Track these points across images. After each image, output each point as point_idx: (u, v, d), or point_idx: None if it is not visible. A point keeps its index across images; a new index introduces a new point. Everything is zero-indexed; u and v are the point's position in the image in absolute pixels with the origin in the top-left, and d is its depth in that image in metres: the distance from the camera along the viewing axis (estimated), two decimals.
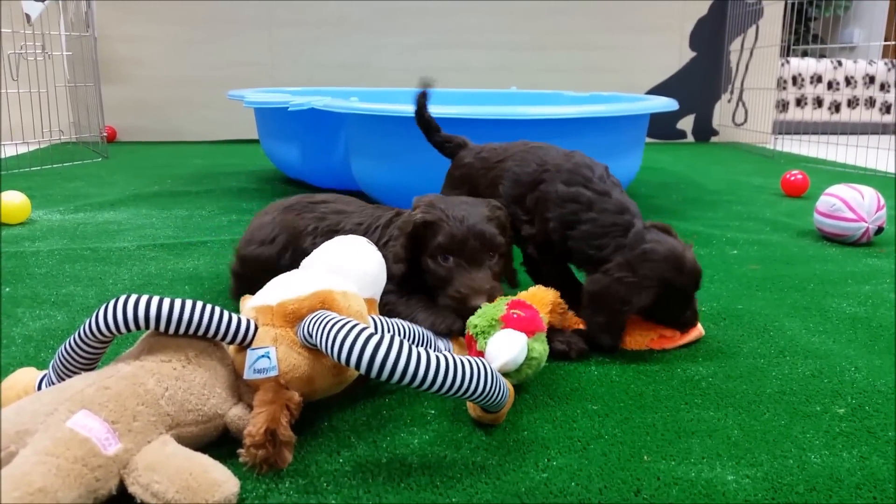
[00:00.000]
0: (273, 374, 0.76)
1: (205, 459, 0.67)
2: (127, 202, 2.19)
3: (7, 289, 1.32)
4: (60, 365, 0.77)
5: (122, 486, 0.66)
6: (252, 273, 1.16)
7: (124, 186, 2.46)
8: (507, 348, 0.88)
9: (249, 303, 0.84)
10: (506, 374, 0.87)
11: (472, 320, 0.95)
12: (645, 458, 0.78)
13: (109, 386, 0.70)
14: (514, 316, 0.93)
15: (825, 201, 1.78)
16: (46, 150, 3.16)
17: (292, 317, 0.79)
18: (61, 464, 0.62)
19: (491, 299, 1.01)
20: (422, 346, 0.92)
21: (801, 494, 0.71)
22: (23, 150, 3.23)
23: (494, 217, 1.08)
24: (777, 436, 0.83)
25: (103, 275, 1.42)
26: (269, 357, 0.76)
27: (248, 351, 0.78)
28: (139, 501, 0.65)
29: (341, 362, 0.71)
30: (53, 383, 0.78)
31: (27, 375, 0.82)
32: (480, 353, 0.91)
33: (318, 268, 0.91)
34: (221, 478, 0.66)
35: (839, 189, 1.78)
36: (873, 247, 1.73)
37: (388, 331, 0.90)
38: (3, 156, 2.96)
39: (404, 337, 0.92)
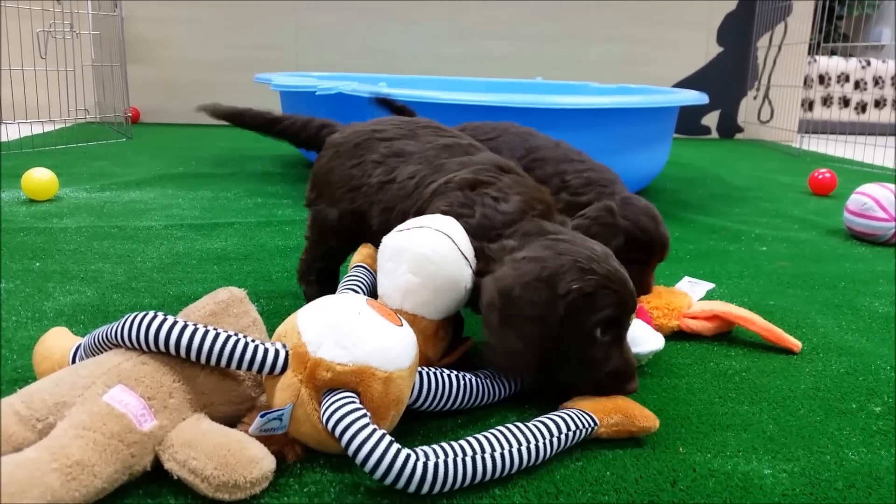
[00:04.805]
0: (280, 432, 0.71)
1: (241, 436, 0.67)
2: (152, 182, 2.19)
3: (37, 263, 1.33)
4: (92, 351, 0.76)
5: (157, 463, 0.67)
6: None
7: (149, 167, 2.47)
8: (654, 338, 0.95)
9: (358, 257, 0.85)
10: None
11: None
12: (680, 449, 0.77)
13: (147, 361, 0.70)
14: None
15: (856, 200, 1.76)
16: (71, 129, 3.17)
17: (322, 384, 0.69)
18: (98, 438, 0.63)
19: None
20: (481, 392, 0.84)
21: (839, 491, 0.70)
22: (48, 128, 3.25)
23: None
24: (813, 432, 0.82)
25: (132, 252, 1.42)
26: (280, 419, 0.70)
27: (259, 417, 0.69)
28: (175, 478, 0.65)
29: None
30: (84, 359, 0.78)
31: (61, 342, 0.82)
32: None
33: (401, 273, 0.84)
34: (259, 454, 0.65)
35: (871, 188, 1.75)
36: None
37: (437, 393, 0.80)
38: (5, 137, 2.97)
39: (461, 394, 0.82)
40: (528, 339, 0.78)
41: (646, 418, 0.79)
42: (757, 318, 1.07)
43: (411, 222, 0.87)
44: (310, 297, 1.10)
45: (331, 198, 1.05)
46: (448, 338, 0.89)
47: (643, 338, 0.94)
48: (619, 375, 0.81)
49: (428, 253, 0.82)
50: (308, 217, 1.10)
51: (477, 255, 0.87)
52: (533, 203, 0.90)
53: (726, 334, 1.11)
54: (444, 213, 0.89)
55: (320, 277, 1.12)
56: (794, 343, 1.06)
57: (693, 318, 1.09)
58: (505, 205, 0.89)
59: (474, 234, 0.87)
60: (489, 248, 0.86)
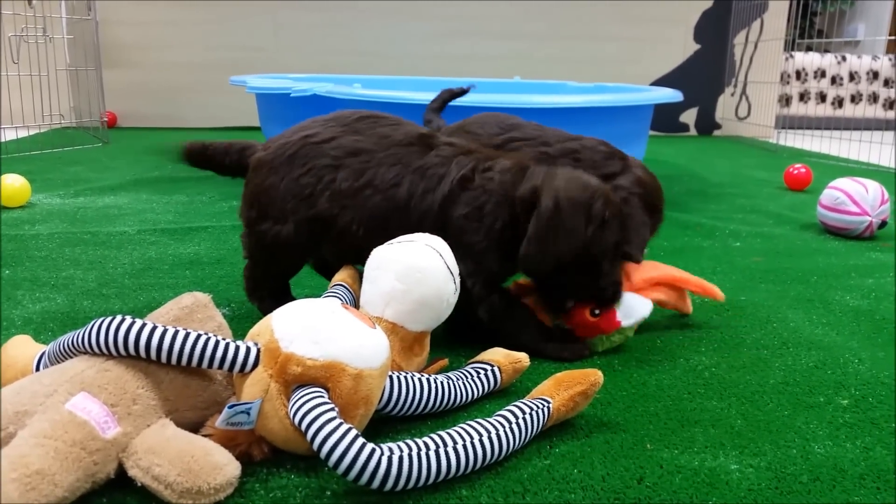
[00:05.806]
0: (248, 427, 0.70)
1: (206, 442, 0.67)
2: (127, 187, 2.18)
3: (7, 271, 1.31)
4: (56, 358, 0.76)
5: (121, 470, 0.66)
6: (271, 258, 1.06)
7: (125, 171, 2.45)
8: (643, 305, 1.02)
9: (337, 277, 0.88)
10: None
11: None
12: (648, 446, 0.77)
13: (110, 368, 0.70)
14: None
15: (829, 195, 1.78)
16: (47, 135, 3.14)
17: (292, 379, 0.69)
18: (59, 447, 0.62)
19: None
20: (460, 394, 0.85)
21: (804, 484, 0.71)
22: (23, 134, 3.22)
23: None
24: (780, 426, 0.83)
25: (104, 259, 1.41)
26: (248, 413, 0.69)
27: (227, 408, 0.69)
28: (139, 485, 0.65)
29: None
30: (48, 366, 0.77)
31: (25, 350, 0.81)
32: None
33: (387, 280, 0.85)
34: (223, 460, 0.65)
35: (843, 182, 1.77)
36: (876, 241, 1.73)
37: (408, 397, 0.80)
38: (2, 139, 2.94)
39: (432, 397, 0.82)
40: (570, 241, 0.93)
41: (586, 375, 0.82)
42: (688, 274, 1.12)
43: (401, 238, 0.90)
44: (266, 312, 1.09)
45: (279, 214, 1.01)
46: (424, 354, 0.89)
47: (633, 307, 1.00)
48: (617, 286, 0.99)
49: (417, 263, 0.84)
50: (247, 237, 1.06)
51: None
52: (520, 158, 1.04)
53: (696, 330, 1.11)
54: (466, 216, 0.97)
55: (273, 293, 1.10)
56: (719, 294, 1.12)
57: (639, 290, 1.07)
58: (501, 166, 1.00)
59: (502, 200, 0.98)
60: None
